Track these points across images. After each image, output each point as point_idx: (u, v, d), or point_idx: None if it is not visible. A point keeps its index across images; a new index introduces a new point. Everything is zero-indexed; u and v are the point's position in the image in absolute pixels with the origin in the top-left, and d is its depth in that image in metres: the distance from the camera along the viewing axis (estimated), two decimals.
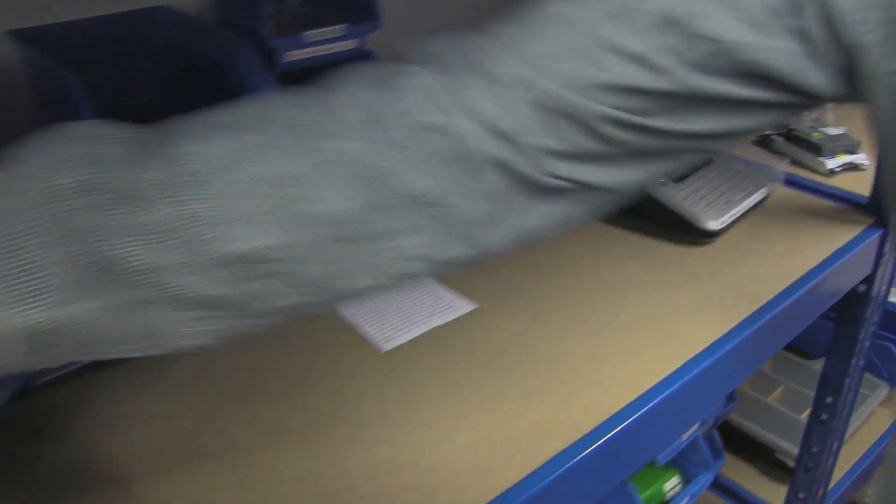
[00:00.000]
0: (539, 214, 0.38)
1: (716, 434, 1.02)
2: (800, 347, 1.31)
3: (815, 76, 0.36)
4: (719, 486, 1.19)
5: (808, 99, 0.38)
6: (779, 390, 1.23)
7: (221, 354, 0.60)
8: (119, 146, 0.35)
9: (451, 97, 0.35)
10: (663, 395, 0.57)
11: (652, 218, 0.79)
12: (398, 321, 0.64)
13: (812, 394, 1.20)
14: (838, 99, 0.38)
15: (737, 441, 1.19)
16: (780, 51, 0.35)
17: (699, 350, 0.61)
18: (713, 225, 0.76)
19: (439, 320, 0.64)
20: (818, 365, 1.26)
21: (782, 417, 1.18)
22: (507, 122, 0.35)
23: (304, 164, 0.34)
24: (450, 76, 0.36)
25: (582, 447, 0.52)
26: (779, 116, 0.39)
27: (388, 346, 0.62)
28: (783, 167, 0.89)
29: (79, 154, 0.34)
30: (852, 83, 0.37)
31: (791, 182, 0.89)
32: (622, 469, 0.59)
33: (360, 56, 0.66)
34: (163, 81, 0.68)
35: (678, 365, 0.59)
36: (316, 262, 0.35)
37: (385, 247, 0.36)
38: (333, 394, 0.57)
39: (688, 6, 0.35)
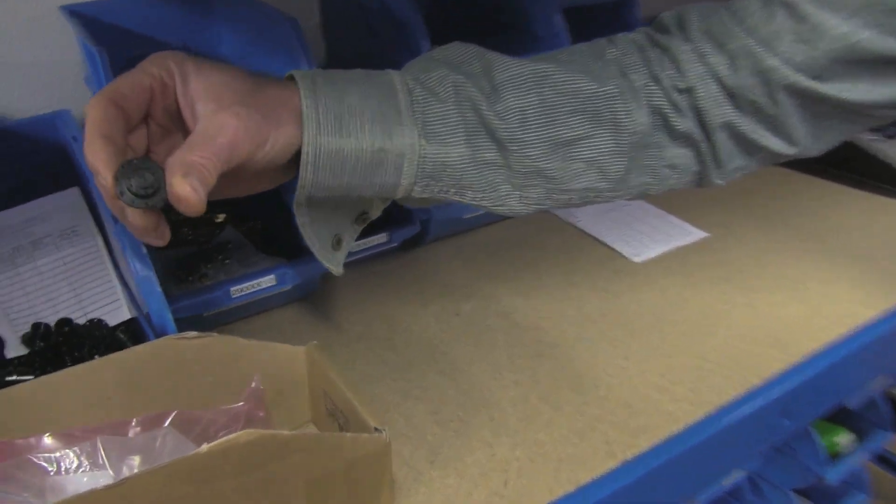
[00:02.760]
0: (740, 162, 0.49)
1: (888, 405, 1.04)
2: None
3: None
4: (884, 459, 1.21)
5: None
6: None
7: (511, 266, 0.69)
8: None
9: (702, 66, 0.46)
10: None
11: (866, 172, 0.84)
12: (643, 241, 0.72)
13: None
14: None
15: None
16: None
17: None
18: None
19: (679, 242, 0.71)
20: None
21: None
22: (735, 85, 0.45)
23: (615, 92, 0.45)
24: (693, 44, 0.46)
25: (832, 353, 0.58)
26: None
27: (638, 259, 0.69)
28: None
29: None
30: None
31: None
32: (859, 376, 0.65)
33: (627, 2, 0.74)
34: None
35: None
36: (619, 160, 0.46)
37: (657, 162, 0.48)
38: (600, 291, 0.65)
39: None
